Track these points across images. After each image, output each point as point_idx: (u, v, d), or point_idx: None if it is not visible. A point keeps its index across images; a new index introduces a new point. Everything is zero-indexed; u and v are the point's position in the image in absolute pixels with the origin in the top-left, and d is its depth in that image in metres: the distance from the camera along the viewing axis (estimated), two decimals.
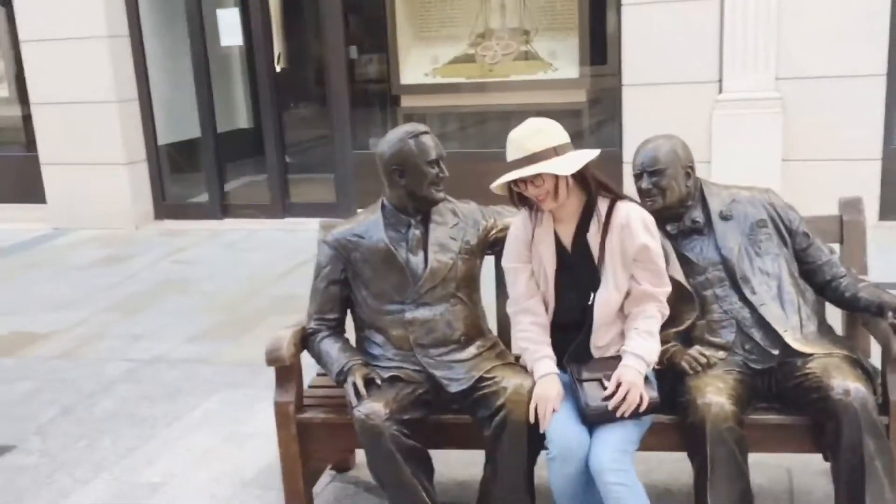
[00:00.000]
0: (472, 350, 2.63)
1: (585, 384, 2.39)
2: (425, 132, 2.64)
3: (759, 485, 2.78)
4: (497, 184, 2.47)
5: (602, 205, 2.48)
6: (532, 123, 2.45)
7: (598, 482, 2.28)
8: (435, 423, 2.60)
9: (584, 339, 2.50)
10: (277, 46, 7.55)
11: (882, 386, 2.43)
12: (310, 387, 2.90)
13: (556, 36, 6.82)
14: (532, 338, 2.52)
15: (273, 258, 6.17)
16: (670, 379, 2.51)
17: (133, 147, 7.36)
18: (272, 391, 2.74)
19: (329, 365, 2.65)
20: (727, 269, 2.57)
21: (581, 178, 2.46)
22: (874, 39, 5.63)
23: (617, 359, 2.43)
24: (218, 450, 3.42)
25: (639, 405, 2.34)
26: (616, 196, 2.49)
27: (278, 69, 7.50)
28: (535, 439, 2.42)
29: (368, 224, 2.70)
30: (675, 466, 2.90)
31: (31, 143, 7.74)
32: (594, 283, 2.47)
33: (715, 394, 2.34)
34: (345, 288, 2.72)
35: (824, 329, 2.60)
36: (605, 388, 2.36)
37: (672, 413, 2.45)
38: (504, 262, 2.64)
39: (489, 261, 2.82)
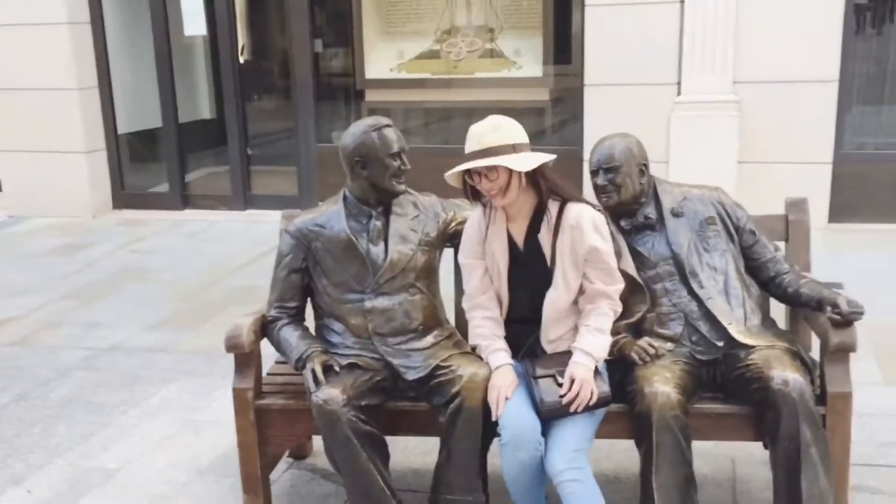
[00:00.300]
0: (429, 339, 2.69)
1: (540, 381, 2.45)
2: (388, 125, 2.69)
3: (704, 474, 2.88)
4: (452, 172, 2.52)
5: (552, 206, 2.54)
6: (493, 119, 2.51)
7: (554, 482, 2.34)
8: (392, 409, 2.65)
9: (537, 336, 2.57)
10: (242, 37, 7.51)
11: (820, 377, 2.53)
12: (268, 374, 2.93)
13: (521, 34, 6.90)
14: (485, 333, 2.59)
15: (233, 249, 6.16)
16: (620, 369, 2.60)
17: (92, 135, 7.28)
18: (230, 380, 2.76)
19: (288, 352, 2.68)
20: (677, 264, 2.66)
21: (534, 180, 2.52)
22: (827, 46, 5.79)
23: (569, 354, 2.50)
24: (175, 437, 3.43)
25: (590, 399, 2.41)
26: (566, 199, 2.55)
27: (242, 60, 7.47)
28: (489, 427, 2.48)
29: (330, 214, 2.74)
30: (624, 455, 3.00)
31: None
32: (546, 281, 2.54)
33: (662, 383, 2.42)
34: (305, 277, 2.76)
35: (767, 323, 2.70)
36: (558, 385, 2.43)
37: (621, 402, 2.53)
38: (459, 258, 2.70)
39: (448, 253, 2.87)
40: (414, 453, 3.12)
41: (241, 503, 2.78)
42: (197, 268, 5.76)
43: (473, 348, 2.69)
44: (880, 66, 6.10)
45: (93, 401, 3.79)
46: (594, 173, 2.72)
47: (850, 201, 6.02)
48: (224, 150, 7.41)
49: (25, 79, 7.11)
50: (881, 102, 6.19)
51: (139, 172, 7.71)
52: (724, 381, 2.58)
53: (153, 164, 7.69)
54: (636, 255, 2.68)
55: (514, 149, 2.45)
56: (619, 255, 2.59)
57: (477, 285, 2.63)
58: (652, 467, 2.38)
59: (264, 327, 2.78)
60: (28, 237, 6.79)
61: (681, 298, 2.63)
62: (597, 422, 2.50)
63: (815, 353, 2.68)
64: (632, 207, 2.71)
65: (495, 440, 2.50)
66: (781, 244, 2.87)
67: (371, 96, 7.28)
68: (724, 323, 2.57)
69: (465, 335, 2.82)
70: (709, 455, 3.01)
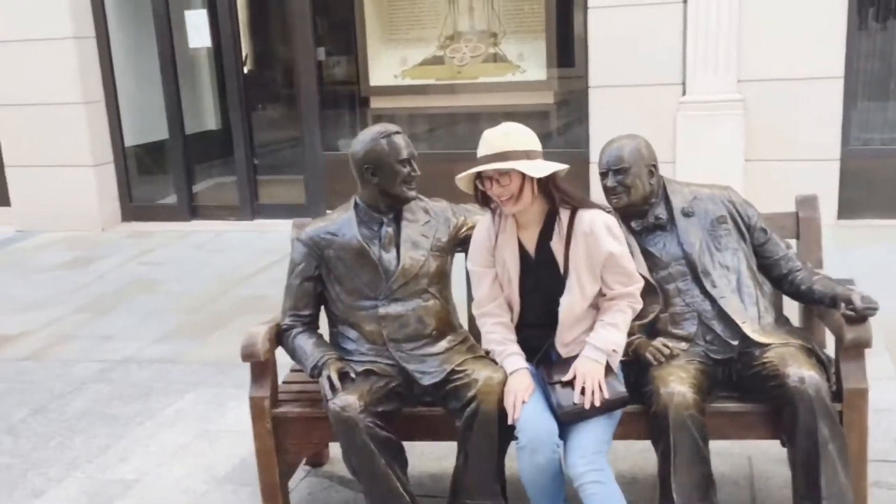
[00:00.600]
0: (443, 344, 2.69)
1: (556, 386, 2.46)
2: (397, 132, 2.70)
3: (722, 472, 2.87)
4: (466, 174, 2.52)
5: (563, 214, 2.53)
6: (508, 125, 2.52)
7: (575, 485, 2.34)
8: (408, 415, 2.66)
9: (552, 340, 2.58)
10: (245, 48, 7.55)
11: (836, 374, 2.53)
12: (284, 382, 2.94)
13: (524, 38, 6.92)
14: (498, 339, 2.60)
15: (241, 259, 6.17)
16: (635, 370, 2.60)
17: (100, 149, 7.31)
18: (242, 389, 2.78)
19: (304, 360, 2.69)
20: (689, 264, 2.66)
21: (545, 188, 2.52)
22: (832, 43, 5.79)
23: None
24: (191, 447, 3.45)
25: (602, 393, 2.40)
26: (577, 205, 2.54)
27: (247, 71, 7.50)
28: (506, 430, 2.48)
29: (341, 222, 2.75)
30: (641, 456, 3.00)
31: None
32: (559, 287, 2.54)
33: (677, 383, 2.42)
34: (318, 284, 2.77)
35: (781, 320, 2.70)
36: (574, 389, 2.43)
37: (637, 402, 2.53)
38: (468, 265, 2.71)
39: (460, 257, 2.88)
40: (430, 458, 3.13)
41: None
42: (205, 278, 5.78)
43: (487, 352, 2.69)
44: (885, 61, 6.10)
45: (108, 413, 3.81)
46: (604, 175, 2.72)
47: (858, 197, 6.01)
48: (231, 161, 7.44)
49: (32, 94, 7.16)
50: (887, 98, 6.19)
51: (147, 184, 7.75)
52: (739, 379, 2.58)
53: (160, 175, 7.72)
54: (648, 256, 2.68)
55: (527, 155, 2.45)
56: (631, 255, 2.59)
57: (486, 293, 2.63)
58: (670, 467, 2.38)
59: (279, 336, 2.79)
60: (38, 251, 6.82)
61: (694, 298, 2.63)
62: (615, 423, 2.50)
63: (829, 350, 2.68)
64: (642, 208, 2.71)
65: (512, 444, 2.50)
66: (793, 241, 2.87)
67: (376, 103, 7.30)
68: (738, 321, 2.57)
69: (478, 339, 2.83)
70: (725, 454, 3.00)
